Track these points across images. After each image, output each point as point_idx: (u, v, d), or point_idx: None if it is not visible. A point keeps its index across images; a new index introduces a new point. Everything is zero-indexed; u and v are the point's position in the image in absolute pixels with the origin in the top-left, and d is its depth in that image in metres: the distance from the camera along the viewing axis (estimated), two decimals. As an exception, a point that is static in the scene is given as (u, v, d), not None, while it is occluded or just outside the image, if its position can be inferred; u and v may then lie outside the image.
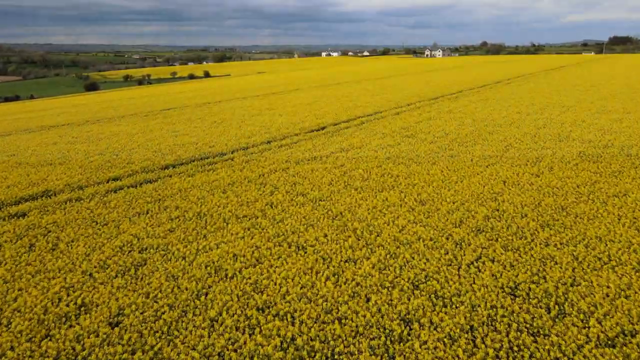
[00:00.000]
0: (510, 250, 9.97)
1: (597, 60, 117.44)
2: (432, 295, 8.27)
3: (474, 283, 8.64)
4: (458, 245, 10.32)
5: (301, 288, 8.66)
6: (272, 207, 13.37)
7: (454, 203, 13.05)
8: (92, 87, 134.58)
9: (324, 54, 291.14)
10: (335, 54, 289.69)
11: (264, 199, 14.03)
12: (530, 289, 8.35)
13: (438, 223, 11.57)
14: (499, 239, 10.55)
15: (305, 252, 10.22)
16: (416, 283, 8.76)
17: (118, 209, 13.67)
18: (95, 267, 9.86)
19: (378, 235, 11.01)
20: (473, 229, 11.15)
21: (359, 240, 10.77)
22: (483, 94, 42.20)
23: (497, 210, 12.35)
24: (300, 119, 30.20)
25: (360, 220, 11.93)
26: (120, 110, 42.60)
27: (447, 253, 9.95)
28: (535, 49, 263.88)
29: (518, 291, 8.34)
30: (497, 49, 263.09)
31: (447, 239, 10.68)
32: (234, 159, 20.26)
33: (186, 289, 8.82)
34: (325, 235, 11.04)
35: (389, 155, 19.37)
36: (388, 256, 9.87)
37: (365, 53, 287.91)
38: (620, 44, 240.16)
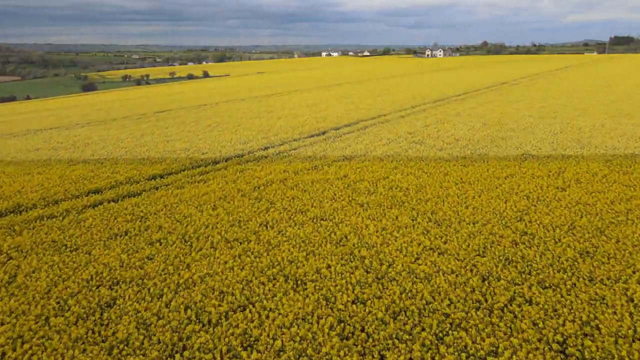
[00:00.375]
0: (550, 288, 8.36)
1: (602, 60, 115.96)
2: (463, 354, 6.66)
3: (513, 336, 7.04)
4: (486, 281, 8.72)
5: (300, 342, 7.06)
6: (267, 227, 11.77)
7: (474, 224, 11.45)
8: (89, 87, 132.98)
9: (324, 54, 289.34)
10: (335, 54, 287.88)
11: (258, 218, 12.43)
12: (584, 345, 6.76)
13: (459, 250, 9.97)
14: (533, 272, 8.95)
15: (305, 289, 8.62)
16: (440, 335, 7.17)
17: (93, 229, 12.06)
18: (53, 308, 8.25)
19: (390, 266, 9.42)
20: (501, 259, 9.54)
21: (367, 272, 9.17)
22: (490, 95, 40.59)
23: (526, 233, 10.75)
24: (299, 123, 28.60)
25: (369, 246, 10.33)
26: (113, 113, 41.00)
27: (474, 291, 8.35)
28: (537, 49, 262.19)
29: (569, 348, 6.74)
30: (498, 49, 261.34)
31: (472, 271, 9.08)
32: (227, 167, 18.66)
33: (159, 341, 7.22)
34: (329, 267, 9.44)
35: (396, 165, 17.77)
36: (403, 295, 8.27)
37: (366, 53, 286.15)
38: (622, 44, 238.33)
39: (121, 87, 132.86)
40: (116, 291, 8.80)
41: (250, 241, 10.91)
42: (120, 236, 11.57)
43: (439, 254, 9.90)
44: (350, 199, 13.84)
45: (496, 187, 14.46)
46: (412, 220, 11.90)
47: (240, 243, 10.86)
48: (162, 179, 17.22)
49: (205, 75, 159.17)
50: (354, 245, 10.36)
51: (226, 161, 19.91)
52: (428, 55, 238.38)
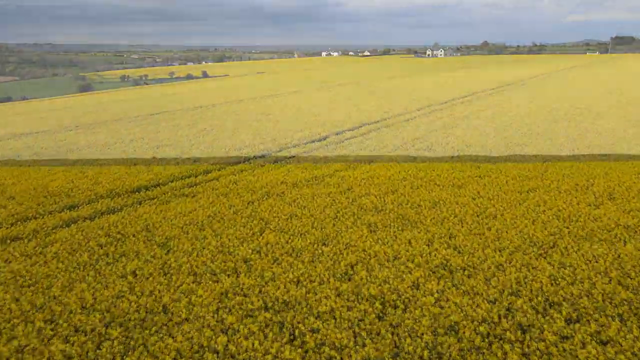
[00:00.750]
0: (608, 344, 6.74)
1: (606, 60, 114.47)
2: None
3: (574, 420, 5.43)
4: (526, 333, 7.09)
5: None
6: (260, 255, 10.15)
7: (500, 251, 9.84)
8: (86, 88, 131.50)
9: (324, 53, 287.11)
10: (335, 54, 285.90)
11: (250, 242, 10.81)
12: None
13: (488, 289, 8.34)
14: (583, 320, 7.32)
15: (304, 344, 7.00)
16: (479, 416, 5.55)
17: (59, 256, 10.45)
18: (-10, 371, 6.64)
19: (406, 309, 7.80)
20: (540, 300, 7.92)
21: (379, 319, 7.56)
22: (498, 97, 39.01)
23: (564, 265, 9.11)
24: (299, 127, 27.01)
25: (380, 281, 8.70)
26: (105, 115, 39.37)
27: (513, 347, 6.74)
28: (538, 49, 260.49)
29: None
30: (499, 49, 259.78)
31: (507, 318, 7.46)
32: (219, 178, 17.06)
33: None
34: (332, 310, 7.82)
35: (404, 175, 16.17)
36: (426, 353, 6.65)
37: (366, 53, 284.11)
38: (624, 43, 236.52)
39: (119, 87, 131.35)
40: (72, 344, 7.19)
41: (240, 273, 9.29)
42: (89, 267, 9.93)
43: (464, 292, 8.28)
44: (356, 218, 12.24)
45: (519, 204, 12.85)
46: (428, 245, 10.29)
47: (229, 275, 9.24)
48: (147, 192, 15.62)
49: (205, 75, 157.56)
50: (361, 281, 8.74)
51: (219, 170, 18.32)
52: (429, 55, 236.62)
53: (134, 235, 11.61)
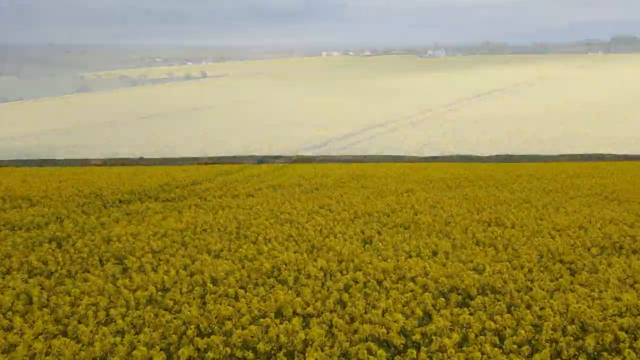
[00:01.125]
0: None
1: (611, 60, 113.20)
2: None
3: None
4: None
5: None
6: (245, 291, 8.50)
7: (532, 282, 8.23)
8: (85, 88, 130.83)
9: (324, 53, 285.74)
10: (335, 54, 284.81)
11: (237, 271, 9.17)
12: None
13: (531, 337, 6.73)
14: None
15: None
16: None
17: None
18: None
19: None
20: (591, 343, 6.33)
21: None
22: (505, 98, 37.46)
23: (616, 298, 7.47)
24: (298, 130, 25.46)
25: (398, 330, 7.08)
26: (97, 117, 37.82)
27: None
28: (540, 49, 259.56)
29: None
30: (500, 49, 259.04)
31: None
32: (209, 189, 15.53)
33: None
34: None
35: (412, 186, 14.61)
36: None
37: (367, 53, 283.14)
38: (625, 43, 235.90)
39: (118, 87, 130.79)
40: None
41: (223, 319, 7.64)
42: (27, 296, 8.13)
43: (499, 338, 6.68)
44: (361, 238, 10.68)
45: (541, 219, 11.27)
46: (447, 277, 8.68)
47: (205, 319, 7.61)
48: (128, 205, 14.09)
49: (204, 75, 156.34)
50: (376, 336, 7.11)
51: (211, 182, 16.78)
52: (430, 55, 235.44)
53: (102, 264, 9.98)
